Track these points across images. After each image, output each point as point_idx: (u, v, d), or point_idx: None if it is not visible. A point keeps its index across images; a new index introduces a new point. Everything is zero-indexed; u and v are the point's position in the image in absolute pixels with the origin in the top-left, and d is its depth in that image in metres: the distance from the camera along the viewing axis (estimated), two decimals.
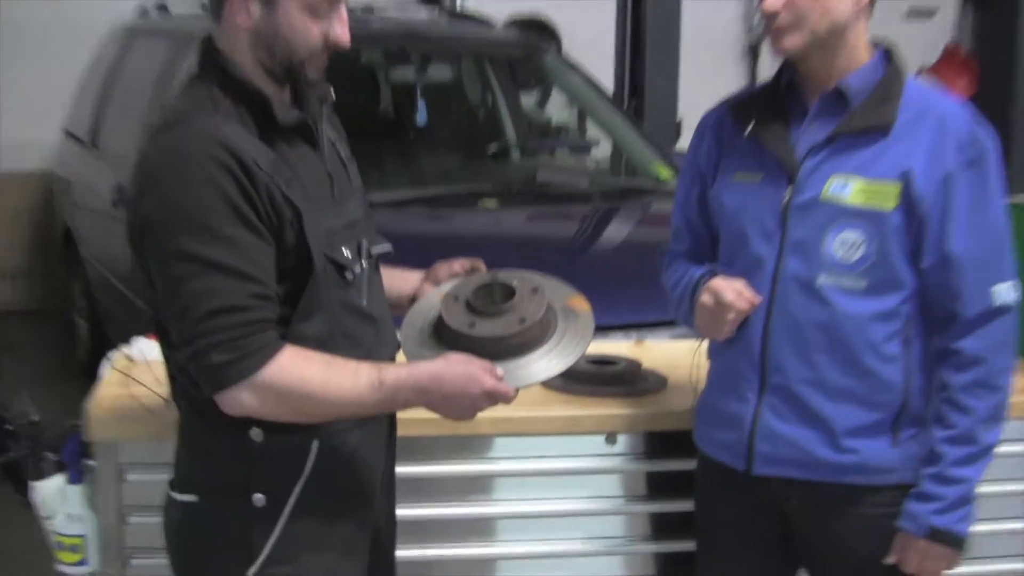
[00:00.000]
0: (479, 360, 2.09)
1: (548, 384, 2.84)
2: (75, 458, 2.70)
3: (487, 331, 2.16)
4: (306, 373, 2.03)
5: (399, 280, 2.45)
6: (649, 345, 3.42)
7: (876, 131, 2.29)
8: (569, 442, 2.84)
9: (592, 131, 6.66)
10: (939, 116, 2.29)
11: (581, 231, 4.86)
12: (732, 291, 2.34)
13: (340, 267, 2.13)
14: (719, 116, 2.49)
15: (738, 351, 2.42)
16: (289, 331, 2.06)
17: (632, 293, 4.06)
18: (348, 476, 2.22)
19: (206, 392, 2.04)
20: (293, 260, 2.06)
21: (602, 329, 3.51)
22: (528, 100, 8.00)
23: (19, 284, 8.19)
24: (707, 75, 8.48)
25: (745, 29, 9.76)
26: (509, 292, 2.22)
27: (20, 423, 2.75)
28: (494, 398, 2.09)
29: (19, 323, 7.82)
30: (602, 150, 6.39)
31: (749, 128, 2.39)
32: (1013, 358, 2.36)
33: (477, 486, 2.85)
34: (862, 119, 2.29)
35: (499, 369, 2.10)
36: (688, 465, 2.71)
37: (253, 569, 2.15)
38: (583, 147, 6.86)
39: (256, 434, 2.11)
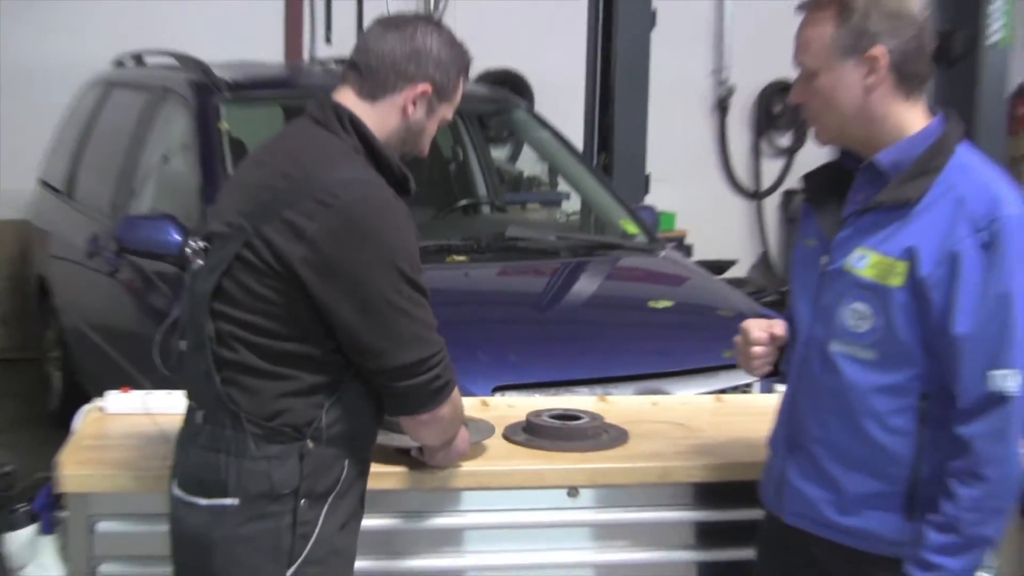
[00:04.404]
0: None
1: (513, 439, 3.01)
2: (47, 509, 2.71)
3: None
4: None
5: None
6: (613, 400, 3.49)
7: (900, 207, 2.27)
8: (533, 496, 2.89)
9: (562, 186, 6.67)
10: (960, 195, 2.24)
11: (550, 286, 4.90)
12: (758, 328, 2.54)
13: None
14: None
15: (782, 406, 2.55)
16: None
17: (599, 348, 4.08)
18: (355, 494, 2.41)
19: (417, 409, 2.35)
20: None
21: (568, 383, 3.59)
22: (499, 154, 8.08)
23: None
24: (676, 130, 8.60)
25: (714, 84, 9.83)
26: None
27: None
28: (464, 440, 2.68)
29: None
30: (571, 205, 6.38)
31: (805, 196, 2.50)
32: (1011, 449, 2.24)
33: (444, 538, 2.89)
34: (889, 194, 2.29)
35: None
36: (654, 516, 2.85)
37: (292, 569, 2.28)
38: (554, 200, 6.82)
39: (310, 444, 2.27)
